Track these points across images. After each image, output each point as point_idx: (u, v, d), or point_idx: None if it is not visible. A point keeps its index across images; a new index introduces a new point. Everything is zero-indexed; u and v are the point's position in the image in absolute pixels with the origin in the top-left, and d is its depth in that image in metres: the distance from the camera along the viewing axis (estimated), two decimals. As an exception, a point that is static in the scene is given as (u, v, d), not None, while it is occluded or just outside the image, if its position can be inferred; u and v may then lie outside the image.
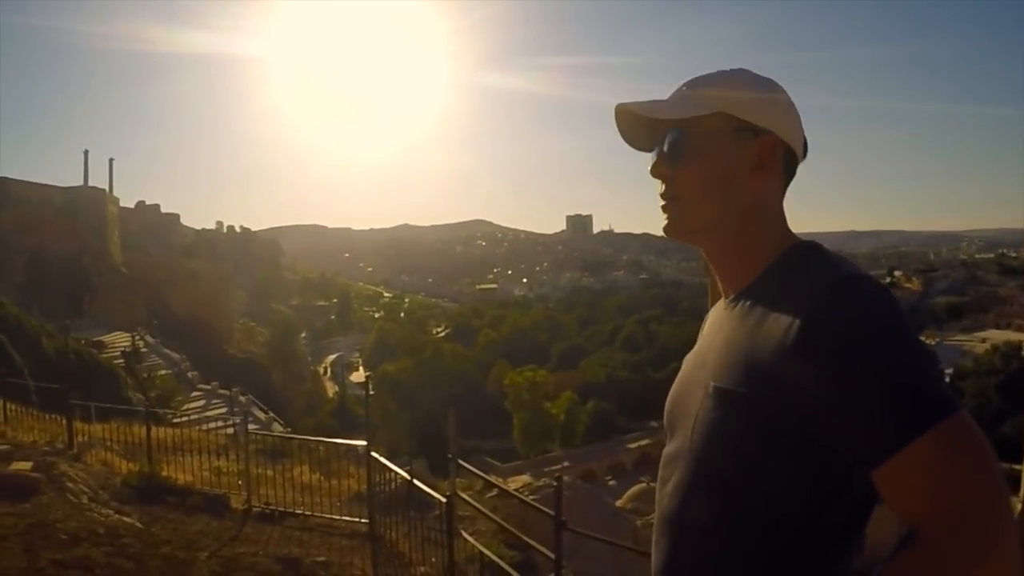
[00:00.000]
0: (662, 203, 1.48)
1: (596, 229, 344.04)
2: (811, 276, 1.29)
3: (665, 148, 1.45)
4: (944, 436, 1.11)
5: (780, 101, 1.45)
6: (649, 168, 1.49)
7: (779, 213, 1.46)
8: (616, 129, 1.54)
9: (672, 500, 1.42)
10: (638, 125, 1.51)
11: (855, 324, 1.19)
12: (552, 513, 5.60)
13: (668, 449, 1.51)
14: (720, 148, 1.42)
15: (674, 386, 1.62)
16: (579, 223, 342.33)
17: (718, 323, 1.50)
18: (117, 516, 7.85)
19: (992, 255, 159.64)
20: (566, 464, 56.30)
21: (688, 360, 1.61)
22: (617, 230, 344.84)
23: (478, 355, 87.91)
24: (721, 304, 1.53)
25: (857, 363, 1.16)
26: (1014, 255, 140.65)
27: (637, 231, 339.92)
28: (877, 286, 1.25)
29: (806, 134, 1.49)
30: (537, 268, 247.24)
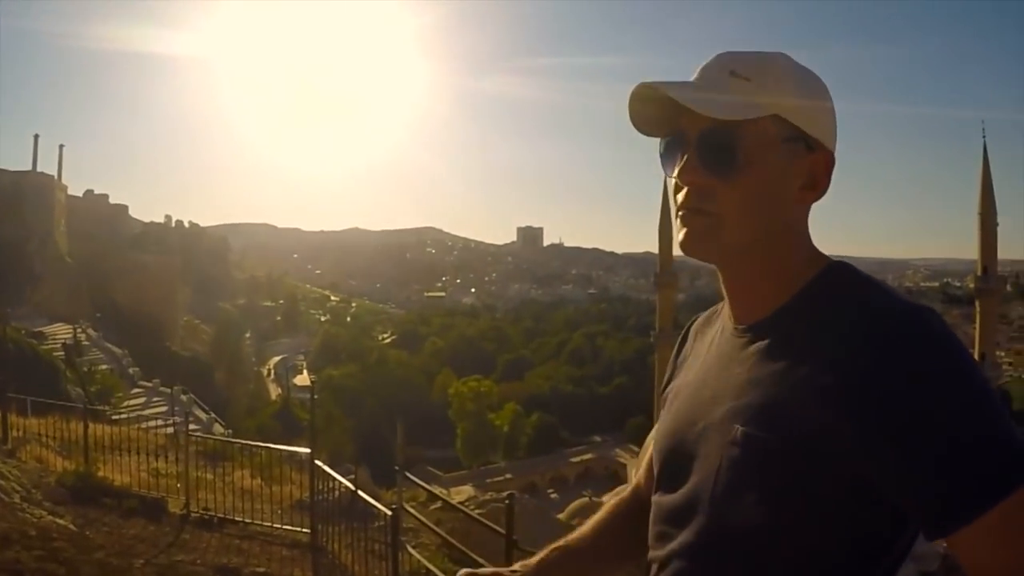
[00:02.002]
0: (683, 213, 1.24)
1: (546, 242, 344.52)
2: (859, 306, 1.12)
3: (702, 150, 1.21)
4: None
5: (830, 108, 1.26)
6: (676, 172, 1.24)
7: (808, 233, 1.27)
8: (630, 108, 1.28)
9: (684, 561, 1.23)
10: (654, 104, 1.25)
11: (917, 367, 1.03)
12: (503, 531, 5.50)
13: (669, 499, 1.30)
14: (773, 160, 1.20)
15: (670, 421, 1.37)
16: (529, 235, 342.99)
17: (727, 353, 1.28)
18: (50, 517, 7.59)
19: (937, 284, 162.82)
20: (508, 476, 56.51)
21: (683, 392, 1.37)
22: (567, 244, 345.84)
23: (424, 363, 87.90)
24: (724, 329, 1.34)
25: (924, 414, 1.01)
26: (958, 284, 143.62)
27: (587, 245, 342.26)
28: (940, 321, 1.08)
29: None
30: (486, 278, 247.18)
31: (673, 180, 1.27)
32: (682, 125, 1.24)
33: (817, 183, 1.23)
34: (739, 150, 1.19)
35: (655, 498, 1.35)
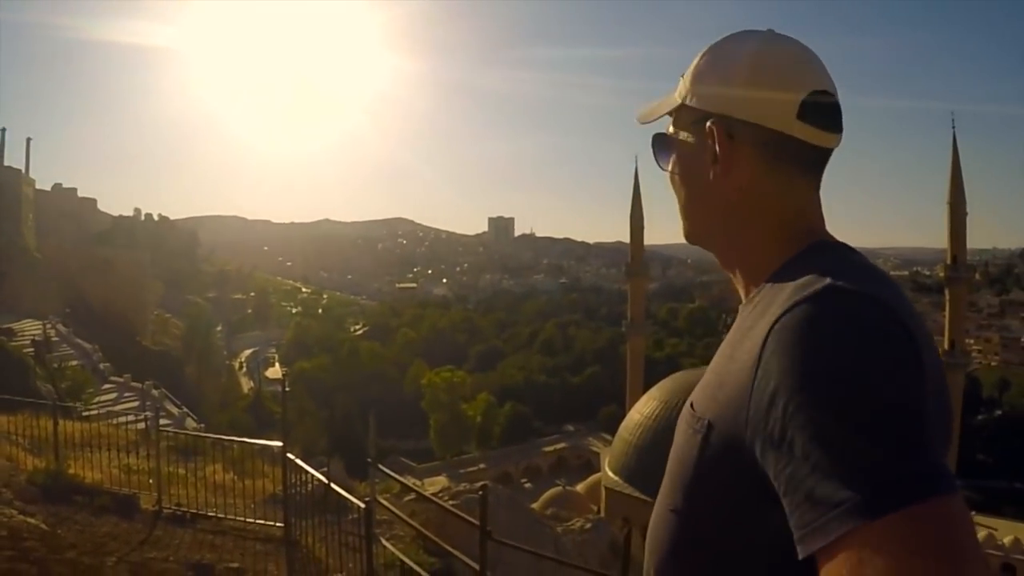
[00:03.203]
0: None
1: (518, 232, 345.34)
2: (791, 289, 1.03)
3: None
4: (910, 525, 0.79)
5: (740, 71, 1.17)
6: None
7: (784, 209, 1.18)
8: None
9: (650, 531, 1.22)
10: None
11: (821, 350, 0.91)
12: (477, 523, 5.49)
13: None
14: (684, 147, 1.26)
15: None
16: (501, 225, 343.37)
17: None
18: (21, 517, 7.50)
19: (907, 272, 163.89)
20: (482, 466, 56.66)
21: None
22: (539, 234, 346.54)
23: (396, 354, 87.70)
24: None
25: (804, 418, 0.88)
26: (928, 273, 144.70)
27: (558, 235, 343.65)
28: (884, 308, 0.95)
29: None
30: (457, 269, 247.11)
31: None
32: None
33: (721, 156, 1.19)
34: (664, 145, 1.31)
35: None
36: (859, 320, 0.93)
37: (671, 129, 1.29)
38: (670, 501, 1.16)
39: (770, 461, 0.92)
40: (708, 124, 1.19)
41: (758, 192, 1.19)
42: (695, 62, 1.25)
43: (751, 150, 1.17)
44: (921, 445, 0.85)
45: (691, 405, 1.16)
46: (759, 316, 1.06)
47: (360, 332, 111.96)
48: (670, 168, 1.31)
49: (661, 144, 1.32)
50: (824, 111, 1.16)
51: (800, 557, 0.86)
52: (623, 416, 41.92)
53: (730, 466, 1.01)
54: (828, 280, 0.99)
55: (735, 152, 1.18)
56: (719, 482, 1.04)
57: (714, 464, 1.05)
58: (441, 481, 40.47)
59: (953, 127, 45.55)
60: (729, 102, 1.18)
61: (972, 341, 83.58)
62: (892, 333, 0.93)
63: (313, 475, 8.43)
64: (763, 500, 0.95)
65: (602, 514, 29.35)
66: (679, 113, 1.27)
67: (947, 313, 46.22)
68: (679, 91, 1.26)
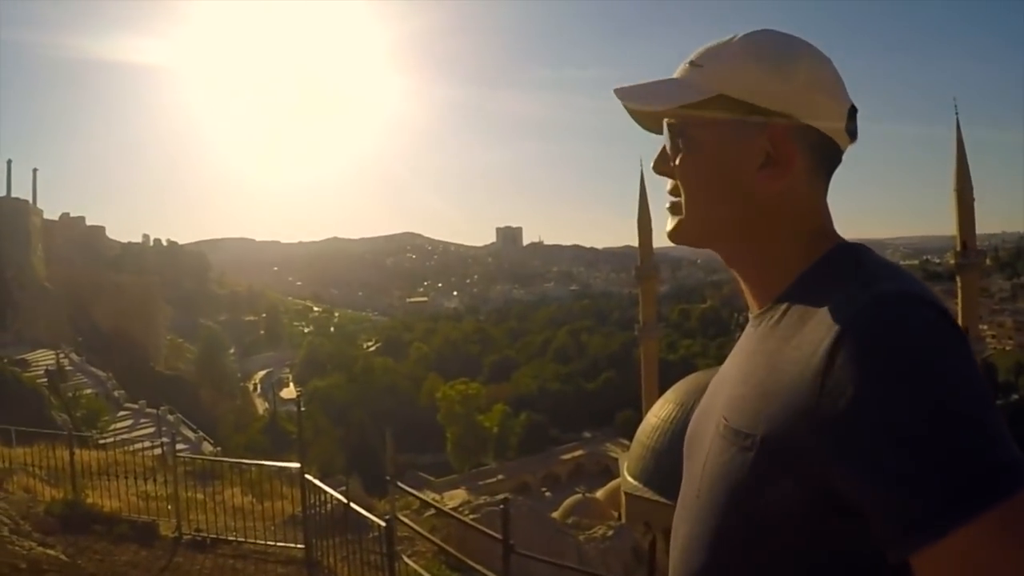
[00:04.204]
0: (667, 204, 1.24)
1: (526, 241, 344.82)
2: (847, 290, 1.01)
3: (665, 142, 1.22)
4: (1009, 519, 0.82)
5: (799, 72, 1.14)
6: (652, 164, 1.26)
7: (813, 212, 1.17)
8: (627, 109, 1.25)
9: (680, 556, 1.16)
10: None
11: (881, 368, 0.90)
12: (499, 537, 5.46)
13: (682, 491, 1.24)
14: (720, 141, 1.16)
15: (696, 412, 1.31)
16: (509, 235, 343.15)
17: (743, 343, 1.22)
18: (40, 548, 7.49)
19: (917, 261, 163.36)
20: (501, 477, 56.47)
21: (712, 382, 1.30)
22: (547, 242, 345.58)
23: (409, 369, 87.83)
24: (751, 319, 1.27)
25: (885, 422, 0.88)
26: (938, 261, 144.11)
27: (567, 243, 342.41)
28: (937, 308, 0.96)
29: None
30: (467, 280, 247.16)
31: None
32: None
33: (778, 158, 1.14)
34: (682, 137, 1.18)
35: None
36: (927, 322, 0.94)
37: (698, 116, 1.18)
38: (716, 522, 1.09)
39: (854, 467, 0.90)
40: (767, 121, 1.13)
41: (796, 195, 1.16)
42: (730, 51, 1.17)
43: (801, 153, 1.14)
44: (1006, 436, 0.87)
45: (725, 421, 1.10)
46: (799, 323, 1.05)
47: (373, 348, 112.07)
48: (682, 156, 1.20)
49: (677, 132, 1.20)
50: (855, 123, 1.18)
51: (895, 560, 0.87)
52: (640, 420, 41.71)
53: (791, 480, 0.98)
54: (883, 284, 1.00)
55: (793, 154, 1.14)
56: (778, 498, 0.99)
57: (771, 480, 1.00)
58: (460, 494, 40.37)
59: (956, 113, 45.11)
60: (789, 102, 1.13)
61: (985, 327, 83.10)
62: (955, 332, 0.95)
63: (332, 495, 8.41)
64: (830, 511, 0.95)
65: (623, 520, 29.24)
66: (709, 104, 1.16)
67: (959, 300, 46.00)
68: (711, 78, 1.17)
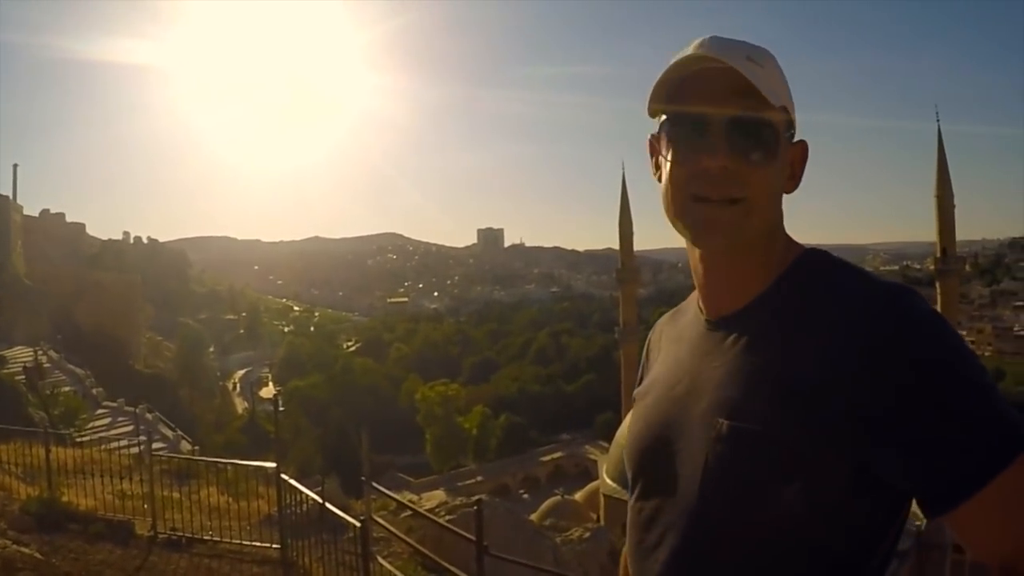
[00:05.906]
0: (707, 199, 1.16)
1: (507, 242, 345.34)
2: (844, 292, 1.12)
3: (736, 136, 1.14)
4: None
5: (786, 85, 1.24)
6: (716, 154, 1.14)
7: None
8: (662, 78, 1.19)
9: (676, 568, 1.18)
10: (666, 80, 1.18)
11: (915, 349, 1.04)
12: (473, 538, 5.48)
13: (647, 505, 1.24)
14: (783, 150, 1.19)
15: (642, 423, 1.30)
16: (490, 236, 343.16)
17: (701, 347, 1.24)
18: (14, 547, 7.44)
19: (897, 267, 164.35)
20: (479, 479, 56.40)
21: (652, 392, 1.31)
22: (528, 243, 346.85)
23: (389, 369, 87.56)
24: (695, 323, 1.28)
25: (926, 396, 1.02)
26: (918, 267, 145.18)
27: (548, 244, 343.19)
28: (925, 300, 1.10)
29: None
30: (448, 281, 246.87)
31: (670, 162, 1.20)
32: (694, 105, 1.16)
33: (796, 173, 1.23)
34: (771, 137, 1.16)
35: (633, 504, 1.29)
36: (933, 310, 1.09)
37: (775, 122, 1.17)
38: (731, 525, 1.12)
39: (904, 444, 1.03)
40: (797, 139, 1.23)
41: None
42: (768, 58, 1.19)
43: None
44: (1003, 398, 1.05)
45: (727, 423, 1.12)
46: (802, 321, 1.12)
47: (353, 348, 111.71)
48: (765, 164, 1.16)
49: (770, 134, 1.16)
50: None
51: (936, 514, 1.04)
52: (619, 423, 41.72)
53: (820, 467, 1.07)
54: (880, 279, 1.12)
55: (802, 173, 1.25)
56: (802, 486, 1.07)
57: (795, 472, 1.07)
58: (439, 495, 40.24)
59: (937, 119, 45.46)
60: (792, 117, 1.21)
61: (965, 332, 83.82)
62: (943, 316, 1.10)
63: (308, 495, 8.40)
64: (857, 489, 1.08)
65: (601, 522, 29.27)
66: (778, 111, 1.16)
67: (939, 306, 46.21)
68: (778, 94, 1.16)
